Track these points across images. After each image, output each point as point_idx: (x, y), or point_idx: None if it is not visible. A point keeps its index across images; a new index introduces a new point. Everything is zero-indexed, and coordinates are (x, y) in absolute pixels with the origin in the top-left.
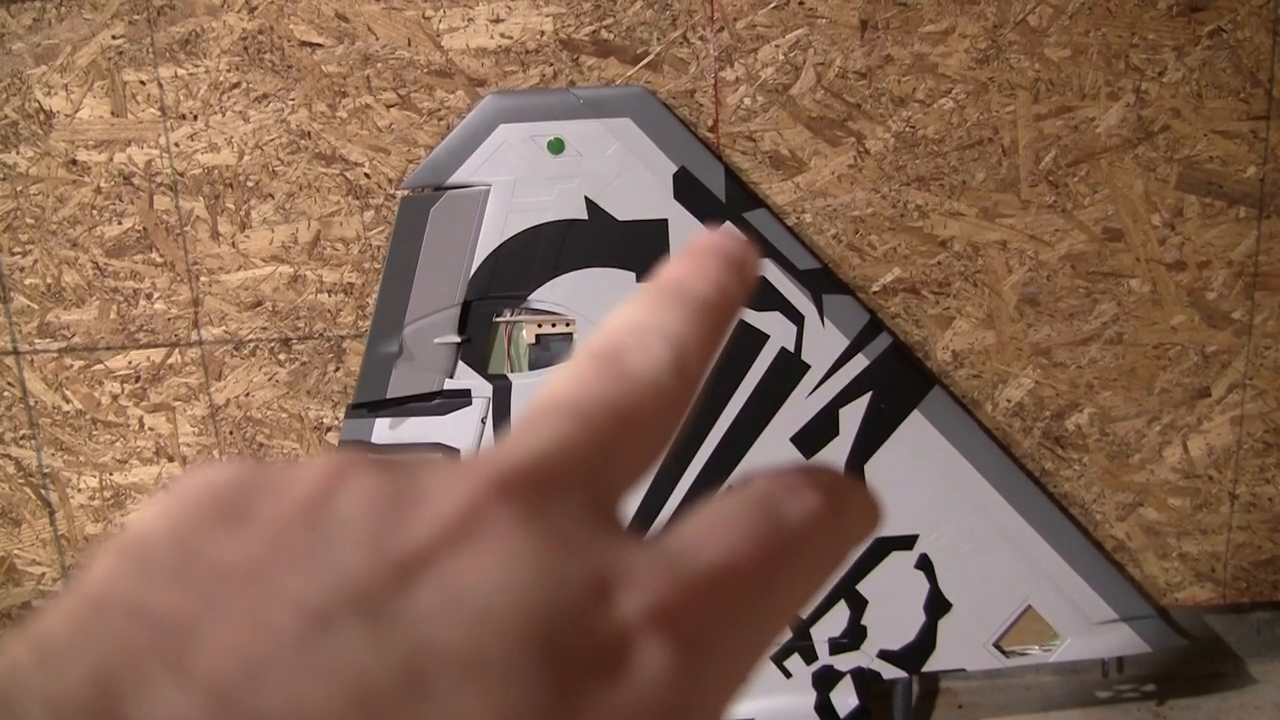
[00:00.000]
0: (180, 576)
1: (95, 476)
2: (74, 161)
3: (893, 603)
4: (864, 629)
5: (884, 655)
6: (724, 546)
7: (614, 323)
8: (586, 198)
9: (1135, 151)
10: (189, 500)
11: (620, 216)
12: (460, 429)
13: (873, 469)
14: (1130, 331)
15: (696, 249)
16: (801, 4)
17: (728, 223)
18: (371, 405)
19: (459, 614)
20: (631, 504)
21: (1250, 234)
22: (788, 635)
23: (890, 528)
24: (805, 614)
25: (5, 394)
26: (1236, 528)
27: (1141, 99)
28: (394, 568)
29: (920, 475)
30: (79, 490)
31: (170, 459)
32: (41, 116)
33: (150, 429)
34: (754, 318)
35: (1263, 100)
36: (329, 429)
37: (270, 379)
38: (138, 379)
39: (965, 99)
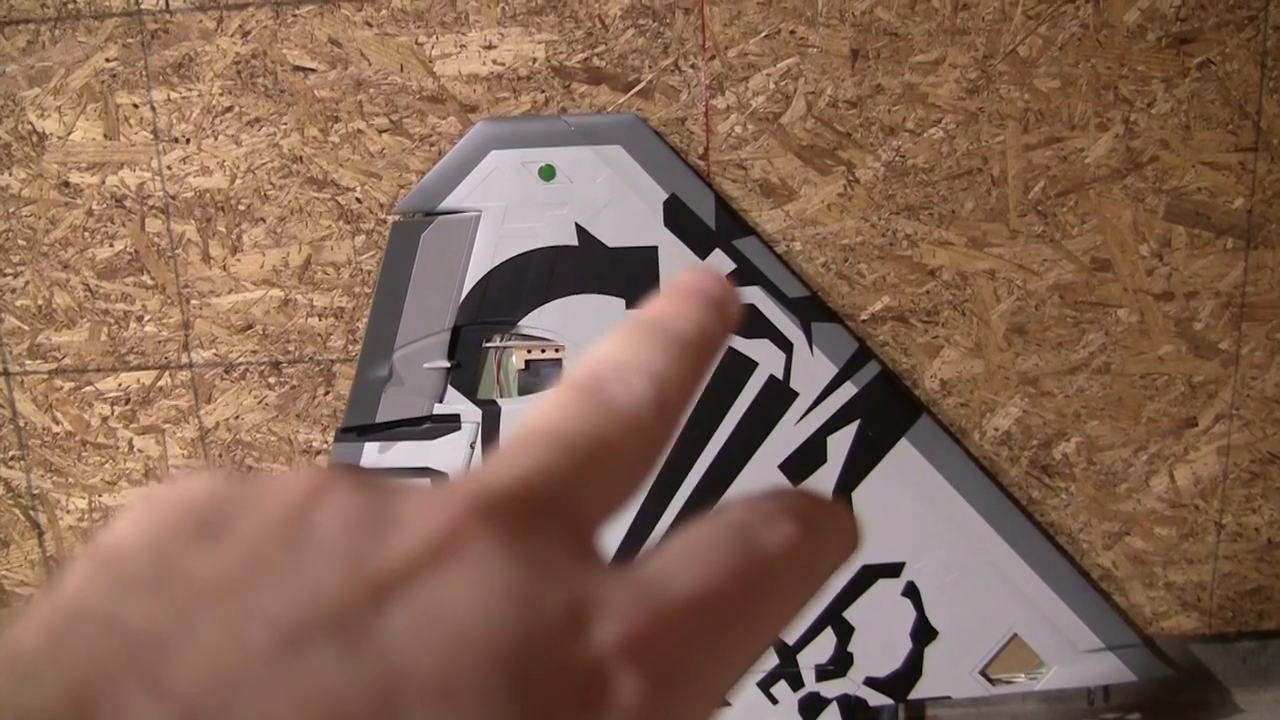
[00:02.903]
0: (156, 589)
1: (84, 498)
2: (66, 183)
3: (879, 630)
4: (850, 656)
5: (870, 682)
6: (698, 576)
7: (596, 356)
8: (577, 224)
9: (1124, 182)
10: (166, 511)
11: (610, 243)
12: (449, 454)
13: (860, 496)
14: (1118, 361)
15: (679, 288)
16: (793, 33)
17: (716, 251)
18: (360, 429)
19: (433, 637)
20: (618, 531)
21: (1238, 265)
22: (769, 661)
23: (877, 555)
24: (791, 640)
25: None
26: (1223, 557)
27: (1130, 130)
28: (370, 588)
29: (907, 503)
30: (68, 511)
31: (159, 481)
32: (34, 138)
33: (140, 451)
34: (743, 345)
35: (1251, 132)
36: (318, 452)
37: (260, 402)
38: (128, 401)
39: (955, 129)
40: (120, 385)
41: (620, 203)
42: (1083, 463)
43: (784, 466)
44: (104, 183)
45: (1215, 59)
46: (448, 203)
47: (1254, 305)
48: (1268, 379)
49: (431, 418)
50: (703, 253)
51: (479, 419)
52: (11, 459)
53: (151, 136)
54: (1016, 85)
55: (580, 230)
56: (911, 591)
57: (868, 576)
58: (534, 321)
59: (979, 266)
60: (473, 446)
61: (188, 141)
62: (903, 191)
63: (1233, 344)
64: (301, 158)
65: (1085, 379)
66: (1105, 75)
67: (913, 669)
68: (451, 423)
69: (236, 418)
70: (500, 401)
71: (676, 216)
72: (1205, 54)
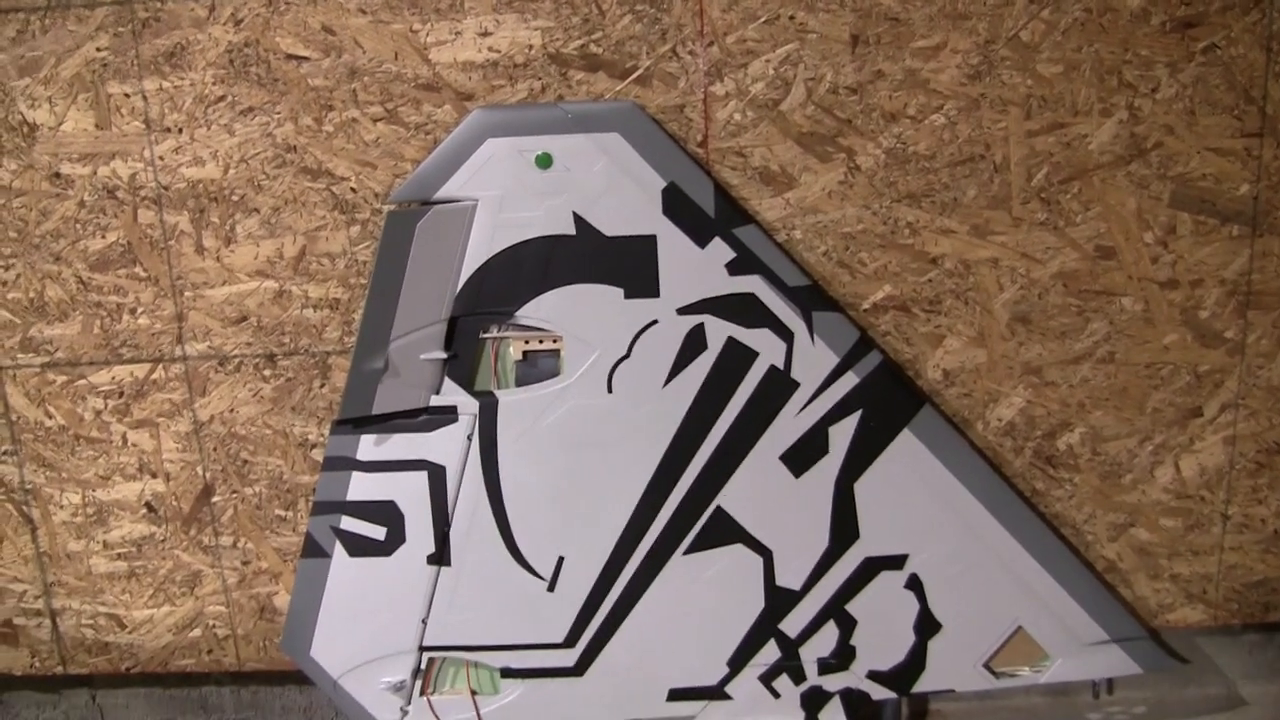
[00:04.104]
0: None
1: (78, 493)
2: (57, 174)
3: (882, 623)
4: (853, 649)
5: (873, 676)
6: None
7: None
8: (574, 213)
9: (1128, 169)
10: None
11: (608, 232)
12: (446, 445)
13: (862, 488)
14: (1122, 350)
15: None
16: (792, 19)
17: (716, 239)
18: (357, 421)
19: None
20: (621, 518)
21: (1243, 252)
22: (772, 654)
23: (880, 547)
24: (794, 633)
25: None
26: (1228, 549)
27: (1134, 115)
28: None
29: (910, 494)
30: (61, 507)
31: (153, 475)
32: (25, 129)
33: (133, 445)
34: (743, 334)
35: (1256, 118)
36: (314, 446)
37: (255, 395)
38: (121, 394)
39: (957, 115)
40: (113, 378)
41: (618, 191)
42: (1087, 453)
43: (785, 457)
44: (95, 173)
45: (1220, 43)
46: (443, 192)
47: (1260, 293)
48: (1274, 368)
49: (428, 409)
50: (702, 241)
51: (476, 411)
52: (4, 453)
53: (143, 126)
54: (1019, 71)
55: (578, 219)
56: (915, 584)
57: (870, 569)
58: (531, 312)
59: (981, 255)
60: (469, 438)
61: (180, 131)
62: (904, 179)
63: (1238, 332)
64: (295, 147)
65: (1089, 368)
66: (1109, 60)
67: (916, 662)
68: (448, 414)
69: (231, 411)
70: (498, 393)
71: (675, 205)
72: (1210, 38)
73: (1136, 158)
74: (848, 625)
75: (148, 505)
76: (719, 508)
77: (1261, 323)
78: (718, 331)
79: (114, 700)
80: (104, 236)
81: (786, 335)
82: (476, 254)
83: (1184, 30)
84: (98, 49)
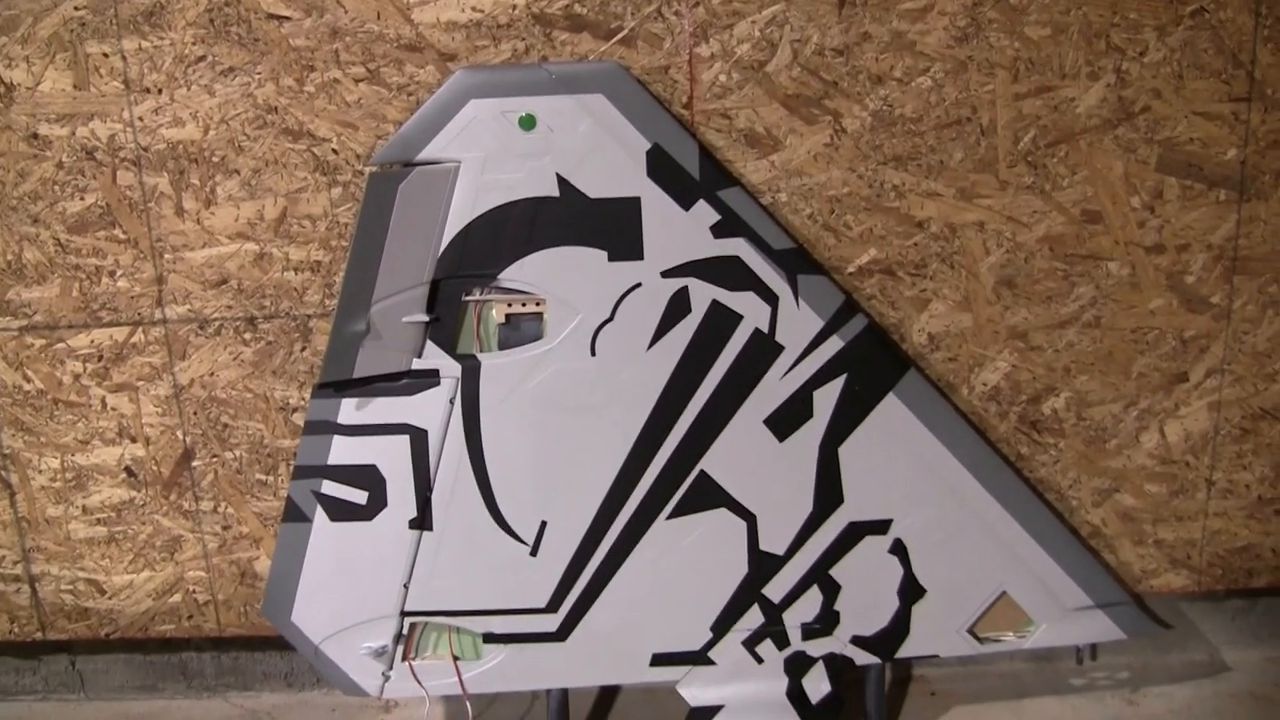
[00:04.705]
0: None
1: (56, 457)
2: (35, 135)
3: (866, 588)
4: (837, 614)
5: (857, 641)
6: None
7: None
8: (558, 174)
9: (1115, 132)
10: None
11: (592, 194)
12: (428, 409)
13: (846, 452)
14: (1108, 315)
15: None
16: None
17: (700, 202)
18: (338, 385)
19: None
20: (605, 482)
21: (1230, 217)
22: (755, 619)
23: (864, 512)
24: (777, 597)
25: None
26: (1213, 514)
27: (1122, 79)
28: None
29: (895, 459)
30: (40, 471)
31: (133, 440)
32: (2, 89)
33: (113, 409)
34: (728, 298)
35: (1244, 82)
36: (295, 410)
37: (235, 358)
38: (100, 358)
39: (944, 78)
40: (92, 342)
41: (602, 153)
42: (1072, 418)
43: (769, 421)
44: (74, 134)
45: (1209, 7)
46: (426, 153)
47: (1246, 258)
48: (1259, 333)
49: (410, 373)
50: (686, 204)
51: (458, 374)
52: None
53: (122, 87)
54: (1006, 33)
55: (561, 181)
56: (899, 549)
57: (854, 533)
58: (515, 274)
59: (968, 218)
60: (452, 402)
61: (160, 92)
62: (890, 141)
63: (1225, 298)
64: (276, 108)
65: (1075, 333)
66: (1097, 23)
67: (900, 627)
68: (430, 378)
69: (211, 374)
70: (480, 356)
71: (659, 167)
72: (1199, 1)
73: (1124, 121)
74: (831, 590)
75: (127, 470)
76: (703, 472)
77: (1247, 288)
78: (702, 294)
79: (93, 666)
80: (83, 198)
81: (771, 299)
82: (459, 216)
83: None
84: (76, 8)
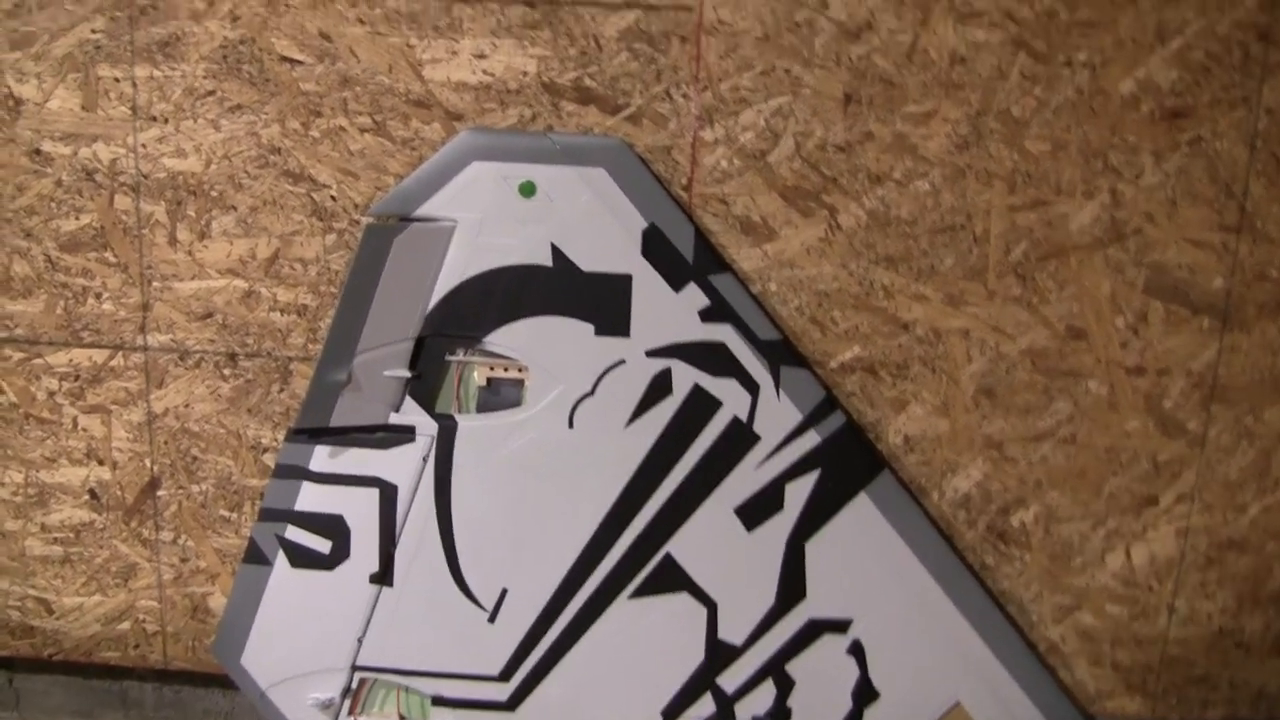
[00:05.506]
0: None
1: (21, 472)
2: (38, 151)
3: (821, 687)
4: (789, 711)
5: None
6: None
7: None
8: (553, 244)
9: (1106, 252)
10: None
11: (585, 267)
12: (401, 465)
13: (813, 548)
14: (1084, 432)
15: None
16: (788, 72)
17: (691, 284)
18: (313, 431)
19: None
20: (569, 558)
21: (1212, 345)
22: (707, 708)
23: (825, 610)
24: (731, 689)
25: None
26: (1172, 641)
27: (1116, 200)
28: None
29: (861, 559)
30: (2, 484)
31: (100, 462)
32: (10, 103)
33: (83, 429)
34: (710, 383)
35: (1235, 212)
36: (266, 449)
37: (212, 392)
38: (77, 378)
39: (942, 183)
40: (71, 361)
41: (599, 227)
42: (1040, 532)
43: (740, 510)
44: (76, 154)
45: (1206, 135)
46: (424, 209)
47: (1225, 387)
48: (1233, 463)
49: (387, 427)
50: (677, 285)
51: (434, 433)
52: None
53: (130, 112)
54: (1007, 144)
55: (555, 250)
56: (856, 649)
57: (814, 630)
58: (500, 339)
59: (953, 324)
60: (425, 459)
61: (166, 121)
62: (884, 241)
63: (1201, 425)
64: (280, 149)
65: (1050, 448)
66: (1096, 142)
67: None
68: (406, 434)
69: (187, 406)
70: (458, 417)
71: (654, 246)
72: (1197, 130)
73: (1115, 242)
74: (786, 686)
75: (91, 492)
76: (668, 554)
77: (1224, 417)
78: (684, 377)
79: (32, 685)
80: (78, 218)
81: (753, 388)
82: (451, 275)
83: (1172, 120)
84: (93, 30)
